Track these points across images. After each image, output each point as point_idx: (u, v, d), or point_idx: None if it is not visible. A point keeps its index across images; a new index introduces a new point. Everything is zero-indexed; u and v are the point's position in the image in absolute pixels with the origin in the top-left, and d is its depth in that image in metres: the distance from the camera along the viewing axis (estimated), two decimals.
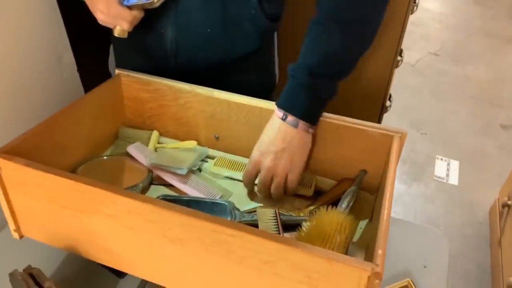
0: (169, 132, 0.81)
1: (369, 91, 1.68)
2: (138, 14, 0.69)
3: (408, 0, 1.41)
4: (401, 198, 1.75)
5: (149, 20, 0.75)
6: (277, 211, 0.62)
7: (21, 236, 0.63)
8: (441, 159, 1.94)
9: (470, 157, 1.96)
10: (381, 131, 0.67)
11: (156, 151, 0.78)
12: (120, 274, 0.64)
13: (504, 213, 1.49)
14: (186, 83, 0.75)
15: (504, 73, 2.52)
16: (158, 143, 0.81)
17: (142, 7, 0.69)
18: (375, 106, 1.72)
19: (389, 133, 0.66)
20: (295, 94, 0.66)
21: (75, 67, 0.86)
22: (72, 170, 0.70)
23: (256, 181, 0.69)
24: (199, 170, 0.75)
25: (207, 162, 0.77)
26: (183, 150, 0.78)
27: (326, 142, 0.71)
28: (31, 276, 0.52)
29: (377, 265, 0.44)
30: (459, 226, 1.64)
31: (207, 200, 0.67)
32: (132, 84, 0.78)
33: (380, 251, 0.45)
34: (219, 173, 0.74)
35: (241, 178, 0.71)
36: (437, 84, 2.42)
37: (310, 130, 0.67)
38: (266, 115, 0.70)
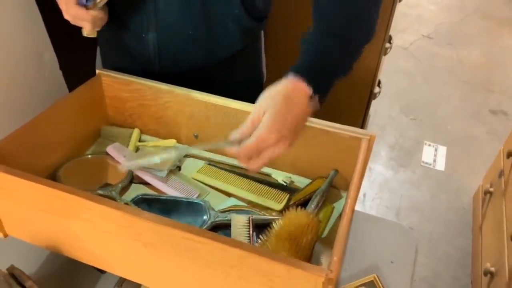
0: (150, 130, 0.83)
1: (357, 78, 1.69)
2: (97, 14, 0.67)
3: None
4: (387, 184, 1.78)
5: (130, 24, 0.76)
6: (250, 218, 0.64)
7: (6, 235, 0.66)
8: (429, 145, 1.97)
9: (459, 142, 1.99)
10: (350, 133, 0.69)
11: (137, 150, 0.81)
12: (102, 270, 0.67)
13: (486, 200, 1.52)
14: (165, 84, 0.77)
15: (497, 56, 2.52)
16: (140, 140, 0.83)
17: (96, 6, 0.67)
18: (363, 93, 1.74)
19: (358, 135, 0.69)
20: (307, 58, 0.61)
21: (57, 65, 0.87)
22: (55, 169, 0.73)
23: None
24: (178, 169, 0.78)
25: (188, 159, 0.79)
26: (162, 149, 0.80)
27: (302, 143, 0.73)
28: (13, 276, 0.56)
29: (331, 271, 0.47)
30: (443, 211, 1.68)
31: (183, 199, 0.70)
32: (113, 83, 0.80)
33: (335, 258, 0.48)
34: (202, 181, 0.75)
35: (223, 188, 0.73)
36: (429, 68, 2.43)
37: (314, 97, 0.58)
38: (242, 116, 0.72)
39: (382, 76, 2.29)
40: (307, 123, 0.60)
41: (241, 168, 0.76)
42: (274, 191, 0.73)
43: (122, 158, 0.76)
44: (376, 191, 1.75)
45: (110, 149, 0.77)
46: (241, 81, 0.87)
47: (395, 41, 2.59)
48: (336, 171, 0.73)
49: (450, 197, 1.74)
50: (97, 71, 0.80)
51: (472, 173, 1.82)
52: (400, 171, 1.85)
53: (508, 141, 1.50)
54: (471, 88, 2.30)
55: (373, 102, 2.14)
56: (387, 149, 1.95)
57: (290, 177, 0.76)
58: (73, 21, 0.68)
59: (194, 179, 0.76)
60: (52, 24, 0.86)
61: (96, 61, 1.00)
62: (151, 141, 0.82)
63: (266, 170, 0.77)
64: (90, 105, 0.81)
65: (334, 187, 0.75)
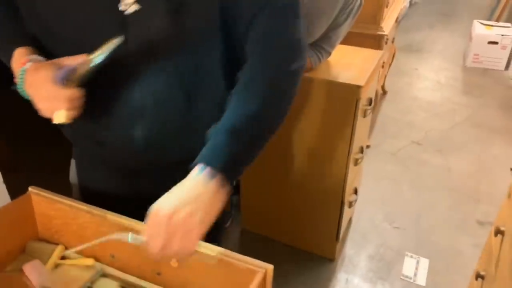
0: (73, 247, 0.86)
1: (327, 188, 1.71)
2: (74, 93, 0.67)
3: (355, 101, 1.48)
4: None
5: (116, 121, 0.77)
6: None
7: None
8: (411, 257, 1.90)
9: (442, 255, 1.91)
10: (246, 265, 0.69)
11: (56, 267, 0.82)
12: None
13: None
14: (85, 204, 0.81)
15: (487, 165, 2.51)
16: (63, 257, 0.85)
17: (74, 80, 0.67)
18: (335, 202, 1.74)
19: (253, 268, 0.69)
20: (215, 148, 0.65)
21: None
22: None
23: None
24: None
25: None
26: (80, 268, 0.82)
27: (193, 269, 0.74)
28: None
29: None
30: None
31: None
32: (42, 202, 0.85)
33: None
34: None
35: None
36: (417, 175, 2.43)
37: (225, 186, 0.63)
38: None
39: (367, 182, 2.31)
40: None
41: None
42: None
43: (36, 277, 0.78)
44: None
45: (26, 267, 0.79)
46: None
47: (383, 147, 2.65)
48: None
49: None
50: (29, 188, 0.85)
51: None
52: (378, 284, 1.77)
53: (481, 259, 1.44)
54: (458, 197, 2.27)
55: (357, 209, 2.13)
56: (367, 259, 1.89)
57: None
58: (48, 106, 0.67)
59: None
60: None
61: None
62: (70, 260, 0.84)
63: None
64: (19, 221, 0.85)
65: None
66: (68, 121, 0.67)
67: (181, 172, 0.66)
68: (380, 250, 1.94)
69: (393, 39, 2.88)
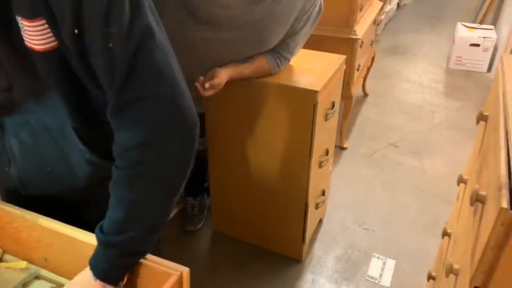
0: (11, 251, 0.89)
1: (292, 190, 1.74)
2: None
3: (312, 106, 1.50)
4: None
5: None
6: None
7: None
8: (378, 258, 1.92)
9: (410, 256, 1.94)
10: (162, 267, 0.72)
11: None
12: None
13: None
14: (18, 208, 0.84)
15: (460, 167, 2.53)
16: (2, 260, 0.88)
17: None
18: (299, 203, 1.77)
19: (168, 270, 0.72)
20: (97, 255, 0.73)
21: None
22: None
23: None
24: None
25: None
26: (14, 270, 0.84)
27: None
28: None
29: None
30: None
31: None
32: None
33: None
34: None
35: None
36: (391, 177, 2.46)
37: (108, 286, 0.72)
38: (83, 246, 0.77)
39: (341, 184, 2.33)
40: None
41: None
42: None
43: None
44: None
45: None
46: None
47: (360, 149, 2.68)
48: None
49: None
50: None
51: None
52: (343, 285, 1.79)
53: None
54: (430, 198, 2.29)
55: (328, 210, 2.16)
56: (334, 260, 1.91)
57: None
58: None
59: None
60: None
61: None
62: (3, 263, 0.87)
63: None
64: None
65: None
66: None
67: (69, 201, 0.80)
68: (348, 251, 1.97)
69: (372, 42, 2.90)
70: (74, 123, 0.75)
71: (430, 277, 1.34)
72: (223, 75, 1.44)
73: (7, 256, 0.89)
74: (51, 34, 0.64)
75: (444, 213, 2.19)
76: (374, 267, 1.88)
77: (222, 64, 1.47)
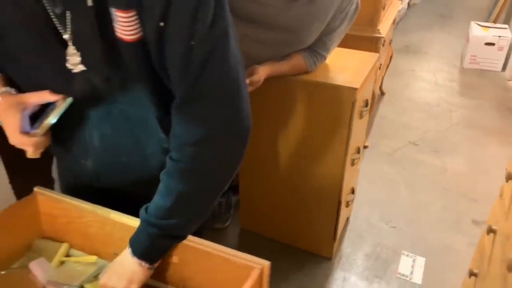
0: (77, 245, 0.89)
1: (324, 188, 1.74)
2: (39, 140, 0.75)
3: (351, 103, 1.51)
4: None
5: (71, 150, 0.85)
6: None
7: None
8: (407, 255, 1.93)
9: (438, 253, 1.95)
10: (244, 261, 0.73)
11: (61, 264, 0.86)
12: None
13: None
14: (89, 204, 0.84)
15: (481, 165, 2.54)
16: (67, 255, 0.88)
17: (38, 134, 0.75)
18: (332, 201, 1.77)
19: (251, 264, 0.72)
20: (139, 233, 0.76)
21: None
22: None
23: None
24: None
25: None
26: (84, 264, 0.85)
27: (193, 265, 0.78)
28: None
29: None
30: None
31: None
32: (47, 201, 0.88)
33: None
34: None
35: None
36: (413, 175, 2.46)
37: (144, 264, 0.75)
38: None
39: (364, 182, 2.34)
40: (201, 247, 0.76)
41: None
42: None
43: (42, 273, 0.81)
44: None
45: (32, 264, 0.83)
46: None
47: (380, 147, 2.68)
48: None
49: None
50: (34, 189, 0.89)
51: (449, 287, 1.76)
52: (375, 283, 1.80)
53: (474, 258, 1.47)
54: (454, 197, 2.30)
55: (354, 208, 2.17)
56: (363, 258, 1.92)
57: None
58: (17, 146, 0.77)
59: None
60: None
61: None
62: (74, 257, 0.87)
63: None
64: (25, 220, 0.88)
65: None
66: (38, 156, 0.78)
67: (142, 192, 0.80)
68: (376, 249, 1.97)
69: (390, 41, 2.91)
70: (157, 113, 0.76)
71: (471, 274, 1.35)
72: (262, 72, 1.44)
73: (73, 251, 0.89)
74: (139, 25, 0.65)
75: (468, 210, 2.20)
76: (404, 264, 1.89)
77: (260, 62, 1.47)
